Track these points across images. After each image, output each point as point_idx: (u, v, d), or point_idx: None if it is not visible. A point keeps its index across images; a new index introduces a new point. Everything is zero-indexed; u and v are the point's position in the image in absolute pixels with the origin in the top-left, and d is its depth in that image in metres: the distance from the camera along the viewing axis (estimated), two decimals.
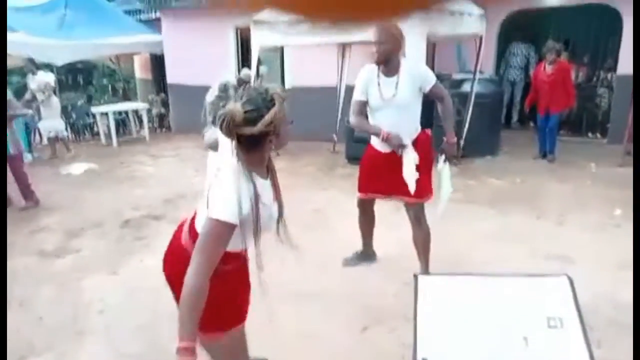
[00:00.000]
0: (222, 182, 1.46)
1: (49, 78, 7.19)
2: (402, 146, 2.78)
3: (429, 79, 2.76)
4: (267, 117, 1.41)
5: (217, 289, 1.51)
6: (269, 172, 1.60)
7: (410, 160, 2.78)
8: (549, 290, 1.77)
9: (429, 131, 2.98)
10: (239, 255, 1.67)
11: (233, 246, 1.53)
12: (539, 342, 1.60)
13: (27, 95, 7.20)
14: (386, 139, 2.78)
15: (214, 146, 1.65)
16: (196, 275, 1.39)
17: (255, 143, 1.46)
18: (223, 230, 1.41)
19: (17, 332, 2.70)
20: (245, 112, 1.39)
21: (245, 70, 6.91)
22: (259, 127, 1.40)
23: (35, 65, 7.13)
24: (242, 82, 6.67)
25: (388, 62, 2.71)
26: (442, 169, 2.97)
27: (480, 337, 1.66)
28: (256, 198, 1.46)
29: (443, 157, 2.94)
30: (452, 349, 1.64)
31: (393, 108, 2.75)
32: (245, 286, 1.81)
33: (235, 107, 1.40)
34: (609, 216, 4.08)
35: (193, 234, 1.58)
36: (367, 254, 3.45)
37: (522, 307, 1.72)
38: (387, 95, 2.74)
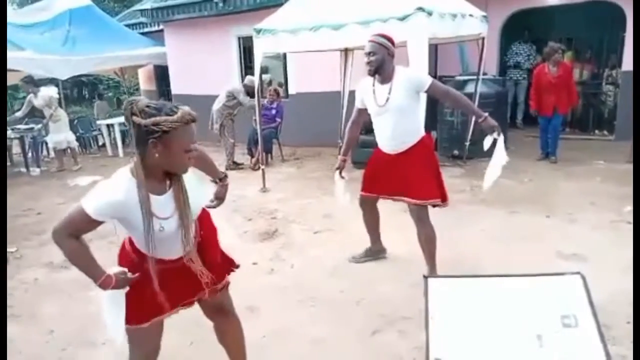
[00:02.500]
0: (110, 178, 1.57)
1: (52, 92, 7.32)
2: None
3: (423, 81, 2.84)
4: (158, 118, 1.46)
5: (132, 284, 1.68)
6: (174, 188, 1.61)
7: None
8: (562, 288, 1.74)
9: (432, 134, 3.01)
10: (151, 258, 1.64)
11: (139, 245, 1.67)
12: (553, 341, 1.58)
13: (45, 110, 7.32)
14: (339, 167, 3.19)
15: None
16: (53, 234, 1.58)
17: (140, 140, 1.49)
18: (80, 216, 1.53)
19: (28, 344, 2.71)
20: (147, 106, 1.48)
21: (249, 77, 6.95)
22: (146, 121, 1.45)
23: (34, 83, 7.28)
24: (247, 89, 6.73)
25: (381, 71, 2.85)
26: (497, 143, 2.86)
27: (493, 336, 1.63)
28: (145, 206, 1.51)
29: (490, 136, 2.84)
30: (466, 348, 1.62)
31: (389, 113, 2.88)
32: (165, 291, 1.70)
33: (143, 100, 1.51)
34: (620, 213, 4.03)
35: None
36: (375, 251, 3.50)
37: (536, 306, 1.70)
38: (381, 101, 2.88)
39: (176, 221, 1.62)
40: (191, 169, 1.67)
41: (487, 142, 2.84)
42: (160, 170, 1.57)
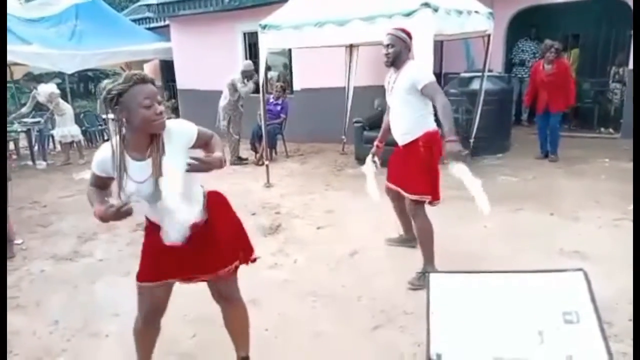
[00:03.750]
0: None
1: (51, 87, 7.43)
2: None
3: (420, 79, 2.83)
4: (109, 86, 1.63)
5: (145, 247, 1.94)
6: (152, 155, 1.71)
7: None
8: (564, 285, 1.74)
9: (435, 131, 2.99)
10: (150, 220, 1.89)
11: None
12: (554, 337, 1.58)
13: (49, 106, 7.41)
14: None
15: None
16: None
17: (110, 112, 1.67)
18: (91, 171, 1.83)
19: (33, 335, 2.74)
20: (111, 83, 1.65)
21: (246, 62, 7.00)
22: (104, 94, 1.63)
23: (35, 80, 7.37)
24: (245, 74, 6.74)
25: (397, 62, 2.96)
26: (455, 170, 2.70)
27: (494, 332, 1.64)
28: (120, 168, 1.70)
29: (454, 164, 2.70)
30: (467, 344, 1.63)
31: (393, 99, 3.02)
32: (160, 253, 1.86)
33: (106, 81, 1.69)
34: (624, 211, 4.01)
35: None
36: (405, 239, 3.59)
37: (537, 302, 1.70)
38: (389, 89, 3.03)
39: (152, 185, 1.71)
40: (171, 139, 1.74)
41: (454, 170, 2.67)
42: (141, 137, 1.70)
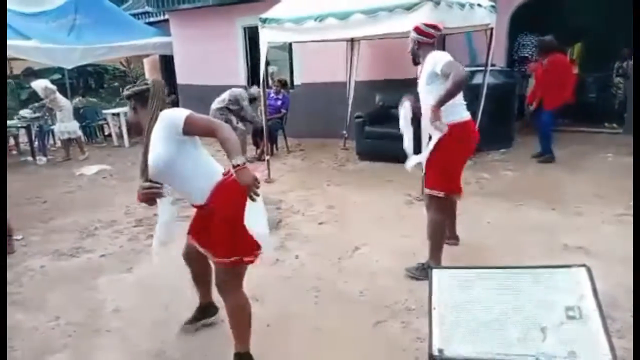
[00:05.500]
0: None
1: (45, 82, 7.42)
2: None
3: (436, 62, 2.82)
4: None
5: None
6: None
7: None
8: (567, 280, 1.73)
9: (460, 122, 2.90)
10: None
11: None
12: (557, 333, 1.57)
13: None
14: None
15: None
16: None
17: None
18: None
19: (35, 331, 2.73)
20: (133, 85, 2.15)
21: (256, 87, 6.90)
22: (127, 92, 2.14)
23: (35, 74, 7.34)
24: (252, 96, 6.72)
25: (418, 59, 3.09)
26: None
27: (497, 327, 1.63)
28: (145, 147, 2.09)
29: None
30: (469, 339, 1.62)
31: (420, 92, 3.06)
32: (192, 224, 2.33)
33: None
34: (627, 207, 3.99)
35: None
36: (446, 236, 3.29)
37: (540, 298, 1.69)
38: (417, 82, 3.10)
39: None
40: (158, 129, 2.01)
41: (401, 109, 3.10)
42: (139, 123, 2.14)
